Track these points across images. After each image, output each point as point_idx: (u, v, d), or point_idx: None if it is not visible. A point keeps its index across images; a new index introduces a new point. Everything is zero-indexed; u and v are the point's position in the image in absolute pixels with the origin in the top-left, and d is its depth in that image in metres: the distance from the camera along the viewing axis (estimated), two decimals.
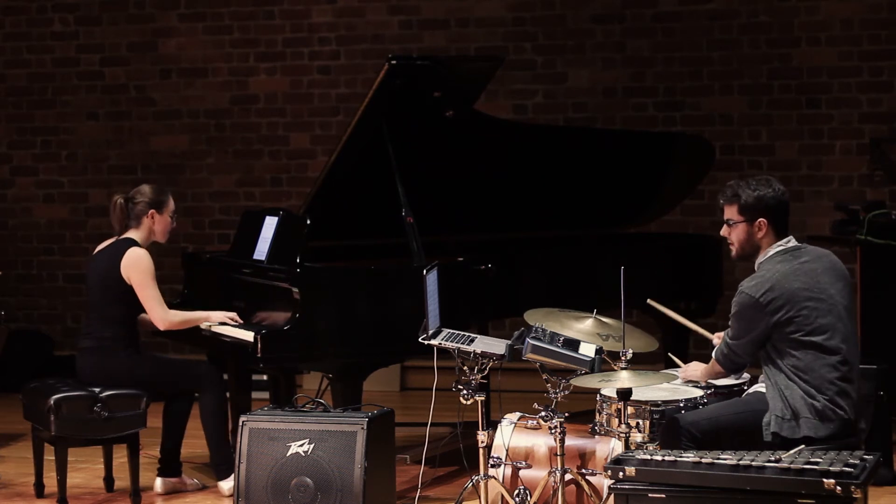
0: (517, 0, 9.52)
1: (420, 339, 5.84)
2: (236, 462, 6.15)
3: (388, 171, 6.92)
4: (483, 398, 5.80)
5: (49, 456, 6.77)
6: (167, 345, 9.16)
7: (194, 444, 7.18)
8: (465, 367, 5.76)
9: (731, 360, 5.52)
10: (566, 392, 5.65)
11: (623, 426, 5.49)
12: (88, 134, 10.24)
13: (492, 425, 5.97)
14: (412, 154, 7.04)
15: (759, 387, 5.61)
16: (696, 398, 5.72)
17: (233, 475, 6.32)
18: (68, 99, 10.25)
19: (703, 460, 4.80)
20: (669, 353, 6.47)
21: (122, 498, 6.87)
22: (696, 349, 8.06)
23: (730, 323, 5.53)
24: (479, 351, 5.75)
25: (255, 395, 7.65)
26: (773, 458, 4.77)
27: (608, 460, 5.41)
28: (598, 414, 5.87)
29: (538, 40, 9.50)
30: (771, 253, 5.50)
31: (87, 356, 6.81)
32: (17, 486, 7.12)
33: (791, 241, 5.53)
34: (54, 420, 6.57)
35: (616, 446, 5.69)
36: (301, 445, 6.07)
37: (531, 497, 5.71)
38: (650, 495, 4.81)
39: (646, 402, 5.73)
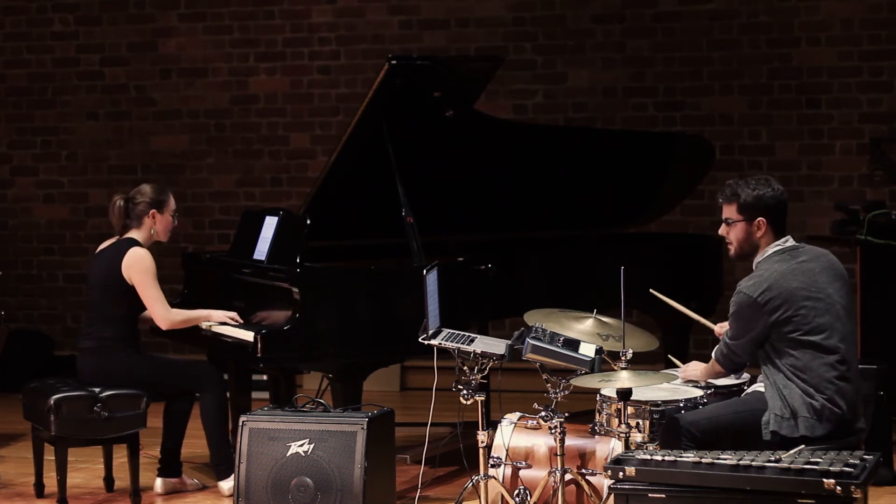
0: (517, 0, 9.52)
1: (420, 339, 5.84)
2: (236, 462, 6.15)
3: (387, 171, 6.92)
4: (483, 398, 5.80)
5: (49, 456, 6.77)
6: (167, 345, 9.16)
7: (194, 444, 7.18)
8: (465, 367, 5.76)
9: (730, 360, 5.53)
10: (566, 392, 5.65)
11: (623, 426, 5.49)
12: (88, 134, 10.24)
13: (492, 425, 5.97)
14: (412, 154, 7.04)
15: (759, 386, 5.61)
16: (695, 398, 5.72)
17: (233, 475, 6.32)
18: (68, 99, 10.25)
19: (703, 460, 4.80)
20: (669, 356, 6.46)
21: (122, 498, 6.87)
22: (696, 349, 8.06)
23: (728, 323, 5.53)
24: (479, 351, 5.75)
25: (255, 395, 7.65)
26: (773, 458, 4.77)
27: (608, 460, 5.42)
28: (598, 414, 5.87)
29: (538, 40, 9.50)
30: (769, 252, 5.51)
31: (88, 356, 6.81)
32: (17, 486, 7.12)
33: (789, 241, 5.53)
34: (54, 420, 6.57)
35: (616, 446, 5.69)
36: (301, 445, 6.07)
37: (531, 497, 5.71)
38: (650, 495, 4.81)
39: (646, 402, 5.73)
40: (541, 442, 5.81)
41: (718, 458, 4.80)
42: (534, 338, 5.56)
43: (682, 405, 5.69)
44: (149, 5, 10.08)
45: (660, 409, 5.71)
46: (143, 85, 10.13)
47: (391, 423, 6.33)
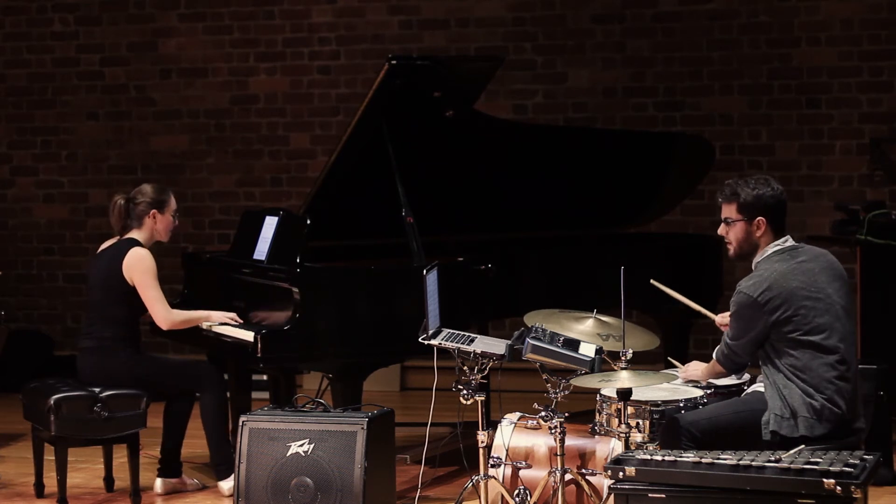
0: (517, 0, 9.52)
1: (420, 339, 5.84)
2: (236, 462, 6.15)
3: (388, 171, 6.92)
4: (483, 398, 5.80)
5: (49, 456, 6.77)
6: (167, 345, 9.16)
7: (194, 444, 7.18)
8: (465, 367, 5.76)
9: (731, 360, 5.53)
10: (566, 392, 5.65)
11: (623, 426, 5.49)
12: (88, 134, 10.24)
13: (492, 425, 5.97)
14: (412, 154, 7.04)
15: (758, 386, 5.61)
16: (695, 398, 5.72)
17: (233, 475, 6.32)
18: (68, 99, 10.25)
19: (703, 460, 4.80)
20: (669, 358, 6.46)
21: (122, 498, 6.87)
22: (696, 349, 8.07)
23: (729, 323, 5.53)
24: (479, 351, 5.75)
25: (255, 395, 7.65)
26: (773, 458, 4.77)
27: (608, 460, 5.42)
28: (598, 414, 5.87)
29: (538, 40, 9.50)
30: (769, 252, 5.50)
31: (88, 356, 6.81)
32: (17, 486, 7.12)
33: (788, 241, 5.53)
34: (54, 420, 6.57)
35: (616, 446, 5.69)
36: (301, 445, 6.07)
37: (531, 497, 5.71)
38: (650, 495, 4.81)
39: (646, 402, 5.73)
40: (541, 442, 5.81)
41: (718, 458, 4.80)
42: (534, 338, 5.56)
43: (682, 405, 5.69)
44: (149, 5, 10.08)
45: (660, 409, 5.71)
46: (143, 85, 10.13)
47: (391, 423, 6.33)
